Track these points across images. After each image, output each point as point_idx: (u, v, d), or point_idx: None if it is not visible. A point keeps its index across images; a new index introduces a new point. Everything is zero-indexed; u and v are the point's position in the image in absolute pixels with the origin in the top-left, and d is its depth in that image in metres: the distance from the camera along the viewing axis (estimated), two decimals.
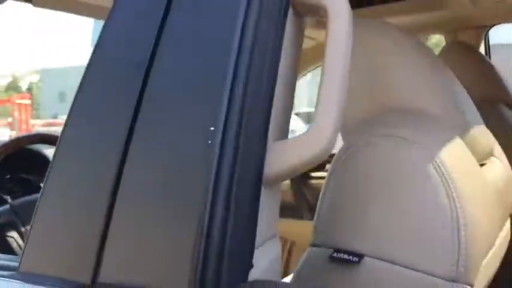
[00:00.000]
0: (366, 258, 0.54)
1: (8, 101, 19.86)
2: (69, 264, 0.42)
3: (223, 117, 0.40)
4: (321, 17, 0.51)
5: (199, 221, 0.38)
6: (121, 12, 0.48)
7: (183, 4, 0.46)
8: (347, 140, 0.62)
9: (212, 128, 0.40)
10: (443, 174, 0.52)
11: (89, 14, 1.30)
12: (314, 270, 0.58)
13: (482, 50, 1.72)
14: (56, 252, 0.44)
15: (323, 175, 1.73)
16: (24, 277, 0.44)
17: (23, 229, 1.28)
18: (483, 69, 1.34)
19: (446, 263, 0.51)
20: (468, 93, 1.35)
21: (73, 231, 0.43)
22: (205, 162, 0.39)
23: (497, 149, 0.79)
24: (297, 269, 0.61)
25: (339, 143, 0.54)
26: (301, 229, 1.58)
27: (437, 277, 0.51)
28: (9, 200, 1.27)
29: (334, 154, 0.68)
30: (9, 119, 18.54)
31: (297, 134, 0.47)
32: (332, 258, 0.55)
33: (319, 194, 0.60)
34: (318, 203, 0.59)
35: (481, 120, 0.74)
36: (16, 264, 0.46)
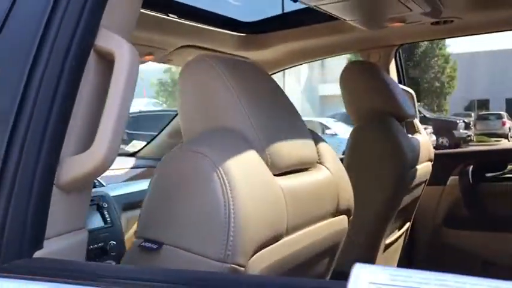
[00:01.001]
0: (164, 246, 0.69)
1: None
2: None
3: (7, 135, 0.56)
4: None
5: None
6: None
7: None
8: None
9: None
10: (222, 177, 0.67)
11: None
12: (132, 257, 0.73)
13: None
14: None
15: None
16: None
17: None
18: (376, 86, 1.49)
19: (218, 247, 0.65)
20: (361, 106, 1.50)
21: None
22: None
23: (327, 158, 0.93)
24: (125, 255, 0.76)
25: None
26: None
27: (211, 259, 0.65)
28: None
29: None
30: None
31: None
32: (141, 247, 0.70)
33: None
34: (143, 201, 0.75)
35: (304, 135, 0.88)
36: None
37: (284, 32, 1.79)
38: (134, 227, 1.34)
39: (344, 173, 0.97)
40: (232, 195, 0.67)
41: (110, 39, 0.63)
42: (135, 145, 2.39)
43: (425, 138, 1.65)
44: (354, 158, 1.44)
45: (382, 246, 1.46)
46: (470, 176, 1.86)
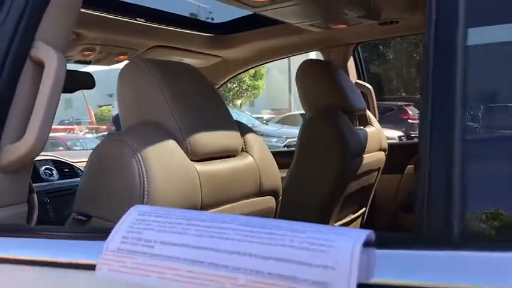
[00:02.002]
0: (93, 218, 0.84)
1: None
2: None
3: None
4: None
5: None
6: None
7: None
8: None
9: None
10: (139, 162, 0.82)
11: None
12: (68, 227, 0.88)
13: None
14: None
15: None
16: None
17: None
18: (326, 82, 1.63)
19: None
20: (313, 101, 1.64)
21: None
22: None
23: (252, 146, 1.08)
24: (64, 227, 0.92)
25: None
26: None
27: None
28: None
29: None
30: None
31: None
32: (74, 219, 0.86)
33: None
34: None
35: (230, 127, 1.03)
36: None
37: (249, 32, 1.94)
38: None
39: (269, 160, 1.12)
40: (147, 175, 0.82)
41: (42, 50, 0.78)
42: None
43: (375, 130, 1.78)
44: (303, 148, 1.59)
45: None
46: None
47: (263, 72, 18.27)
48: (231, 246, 0.52)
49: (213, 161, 0.97)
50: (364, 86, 2.01)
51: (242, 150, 1.07)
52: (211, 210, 0.94)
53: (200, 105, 1.01)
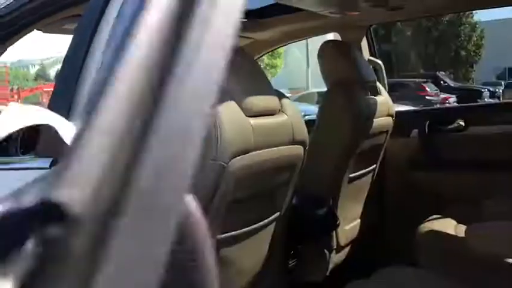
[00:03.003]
0: None
1: (37, 89, 21.06)
2: None
3: None
4: None
5: None
6: None
7: None
8: None
9: None
10: (214, 116, 1.19)
11: None
12: None
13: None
14: None
15: None
16: None
17: None
18: (343, 59, 1.98)
19: (211, 151, 1.18)
20: (332, 74, 2.00)
21: None
22: None
23: (286, 108, 1.44)
24: None
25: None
26: None
27: (208, 159, 1.18)
28: None
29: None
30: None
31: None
32: None
33: None
34: None
35: (270, 93, 1.39)
36: None
37: (276, 18, 2.29)
38: None
39: (299, 118, 1.49)
40: (219, 122, 1.20)
41: None
42: None
43: (384, 98, 2.13)
44: (324, 113, 1.95)
45: (346, 178, 1.98)
46: (426, 129, 2.34)
47: (281, 51, 18.49)
48: None
49: (260, 117, 1.35)
50: (376, 61, 2.36)
51: (279, 110, 1.44)
52: (258, 152, 1.32)
53: (250, 76, 1.38)
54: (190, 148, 0.30)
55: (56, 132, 0.80)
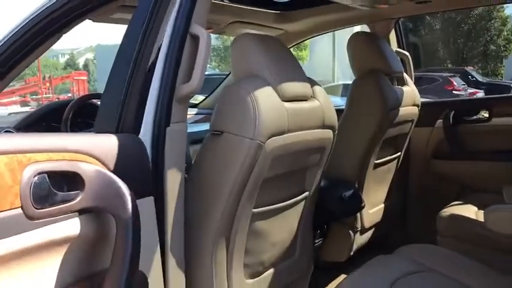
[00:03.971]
0: (224, 133, 1.34)
1: (68, 77, 21.55)
2: None
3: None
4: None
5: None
6: None
7: None
8: None
9: None
10: (252, 99, 1.30)
11: None
12: (206, 140, 1.39)
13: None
14: None
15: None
16: None
17: None
18: (371, 50, 2.07)
19: (251, 133, 1.29)
20: (360, 65, 2.09)
21: None
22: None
23: (318, 94, 1.55)
24: (203, 141, 1.43)
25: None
26: None
27: (248, 138, 1.30)
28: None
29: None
30: (69, 95, 20.07)
31: None
32: (212, 134, 1.36)
33: None
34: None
35: (304, 81, 1.50)
36: None
37: (307, 9, 2.39)
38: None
39: (330, 104, 1.59)
40: (257, 107, 1.31)
41: (196, 28, 1.28)
42: (197, 98, 3.11)
43: (410, 89, 2.22)
44: (352, 102, 2.06)
45: (371, 163, 2.08)
46: (451, 120, 2.42)
47: (307, 43, 18.44)
48: None
49: (294, 102, 1.46)
50: (403, 53, 2.44)
51: (311, 96, 1.55)
52: (292, 134, 1.43)
53: (285, 64, 1.49)
54: None
55: None
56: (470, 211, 2.03)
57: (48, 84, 19.39)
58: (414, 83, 2.35)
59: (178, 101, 1.25)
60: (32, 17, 1.61)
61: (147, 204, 1.11)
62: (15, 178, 0.84)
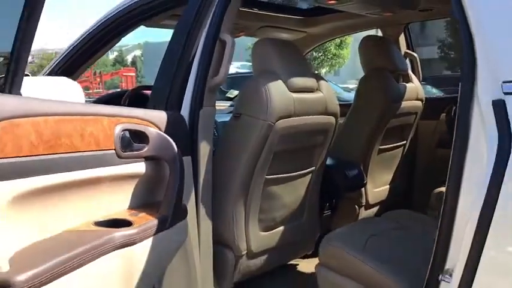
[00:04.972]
0: (242, 115, 1.73)
1: (117, 73, 22.60)
2: None
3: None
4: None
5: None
6: None
7: None
8: None
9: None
10: (266, 89, 1.69)
11: None
12: (229, 121, 1.79)
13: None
14: None
15: None
16: None
17: None
18: (379, 51, 2.41)
19: (263, 115, 1.67)
20: (369, 64, 2.45)
21: None
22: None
23: (322, 87, 1.91)
24: (227, 123, 1.83)
25: None
26: None
27: (261, 119, 1.69)
28: None
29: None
30: (118, 90, 21.06)
31: None
32: (234, 116, 1.76)
33: None
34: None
35: (310, 76, 1.87)
36: None
37: (326, 16, 2.75)
38: None
39: (332, 95, 1.96)
40: (269, 95, 1.70)
41: (224, 35, 1.68)
42: (232, 92, 3.55)
43: (414, 85, 2.54)
44: (359, 95, 2.42)
45: (376, 148, 2.43)
46: (453, 113, 2.72)
47: (349, 42, 18.56)
48: None
49: (301, 93, 1.84)
50: (411, 54, 2.76)
51: (316, 89, 1.93)
52: (298, 117, 1.81)
53: (295, 63, 1.88)
54: None
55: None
56: None
57: (98, 80, 20.44)
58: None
59: (209, 90, 1.66)
60: (100, 22, 2.07)
61: (186, 161, 1.53)
62: (111, 131, 1.29)
